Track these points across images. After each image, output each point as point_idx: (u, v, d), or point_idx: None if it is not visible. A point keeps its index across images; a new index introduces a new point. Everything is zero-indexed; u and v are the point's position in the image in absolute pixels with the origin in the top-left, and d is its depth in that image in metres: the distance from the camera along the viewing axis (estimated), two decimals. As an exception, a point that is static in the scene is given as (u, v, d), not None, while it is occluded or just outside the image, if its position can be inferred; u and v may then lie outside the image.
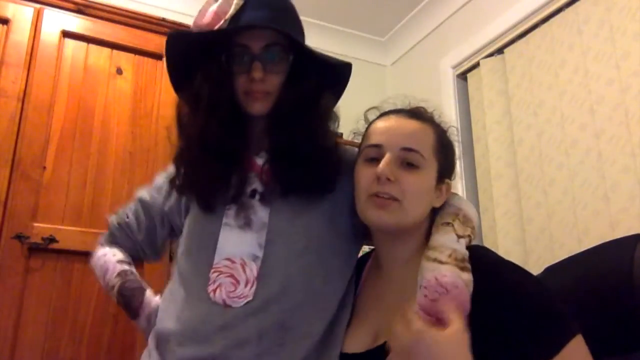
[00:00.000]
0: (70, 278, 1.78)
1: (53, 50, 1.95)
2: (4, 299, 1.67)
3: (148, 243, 1.18)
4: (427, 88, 2.92)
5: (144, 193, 1.19)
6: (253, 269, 0.96)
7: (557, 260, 1.91)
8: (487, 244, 2.38)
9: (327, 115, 1.06)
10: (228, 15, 0.98)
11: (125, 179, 1.94)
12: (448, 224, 0.94)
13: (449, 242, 0.91)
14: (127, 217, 1.18)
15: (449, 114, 2.71)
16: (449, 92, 2.74)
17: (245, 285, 0.95)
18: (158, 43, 2.13)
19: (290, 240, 0.99)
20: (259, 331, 0.93)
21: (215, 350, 0.92)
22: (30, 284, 1.72)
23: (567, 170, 2.04)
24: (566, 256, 2.08)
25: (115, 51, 2.06)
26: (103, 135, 1.95)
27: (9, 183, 1.77)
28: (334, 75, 1.08)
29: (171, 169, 1.13)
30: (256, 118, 1.03)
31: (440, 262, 0.87)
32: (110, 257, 1.15)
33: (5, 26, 1.91)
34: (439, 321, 0.79)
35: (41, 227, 1.77)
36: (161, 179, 1.18)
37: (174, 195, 1.12)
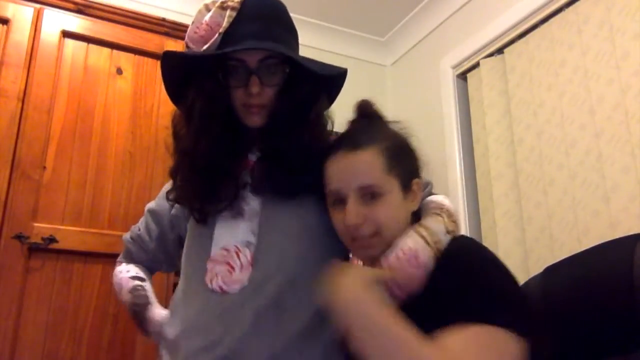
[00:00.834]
0: (70, 278, 1.78)
1: (53, 50, 1.95)
2: (4, 299, 1.67)
3: (161, 251, 1.21)
4: (427, 88, 2.92)
5: (151, 204, 1.23)
6: (247, 255, 0.99)
7: (557, 260, 1.91)
8: (487, 244, 2.38)
9: (319, 120, 1.08)
10: (222, 29, 0.99)
11: (125, 179, 1.94)
12: (438, 214, 0.98)
13: (440, 232, 0.94)
14: (139, 230, 1.22)
15: (448, 114, 2.72)
16: (448, 92, 2.74)
17: (240, 271, 0.98)
18: (158, 43, 2.13)
19: (284, 225, 1.02)
20: (255, 313, 0.95)
21: (216, 338, 0.95)
22: (30, 284, 1.72)
23: (567, 170, 2.04)
24: (566, 256, 2.08)
25: (115, 51, 2.06)
26: (103, 135, 1.95)
27: (9, 183, 1.77)
28: (328, 80, 1.11)
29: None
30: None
31: (427, 243, 0.91)
32: (124, 274, 1.20)
33: (5, 26, 1.91)
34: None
35: (41, 227, 1.77)
36: (167, 186, 1.21)
37: None
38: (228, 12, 1.00)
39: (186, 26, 2.20)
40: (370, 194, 0.94)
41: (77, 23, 2.02)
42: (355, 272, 0.88)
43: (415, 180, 1.00)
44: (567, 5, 2.17)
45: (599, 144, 1.93)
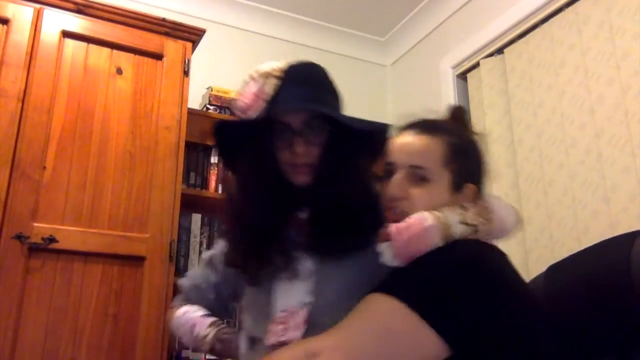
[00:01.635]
0: (71, 278, 1.78)
1: (53, 50, 1.95)
2: (4, 299, 1.67)
3: (220, 302, 1.26)
4: (427, 88, 2.92)
5: (210, 254, 1.29)
6: (302, 315, 1.02)
7: (557, 260, 1.90)
8: (487, 244, 2.38)
9: (364, 176, 1.11)
10: (267, 96, 1.06)
11: (125, 179, 1.94)
12: (463, 207, 0.97)
13: (450, 216, 0.94)
14: (198, 279, 1.28)
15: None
16: (448, 92, 2.74)
17: (295, 330, 1.01)
18: (158, 43, 2.13)
19: (337, 284, 1.04)
20: None
21: None
22: (30, 284, 1.72)
23: (567, 170, 2.04)
24: (566, 256, 2.07)
25: (115, 51, 2.06)
26: (103, 135, 1.95)
27: (9, 183, 1.76)
28: (370, 136, 1.12)
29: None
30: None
31: (436, 218, 0.93)
32: (193, 314, 1.22)
33: (5, 26, 1.90)
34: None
35: (41, 227, 1.77)
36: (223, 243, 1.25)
37: None
38: (272, 80, 1.07)
39: (186, 26, 2.22)
40: (419, 176, 0.98)
41: (77, 23, 2.02)
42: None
43: (470, 185, 1.01)
44: (567, 5, 2.17)
45: (599, 144, 1.93)
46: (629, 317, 0.95)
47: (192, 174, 2.35)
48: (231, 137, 1.13)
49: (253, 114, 1.06)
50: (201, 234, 2.30)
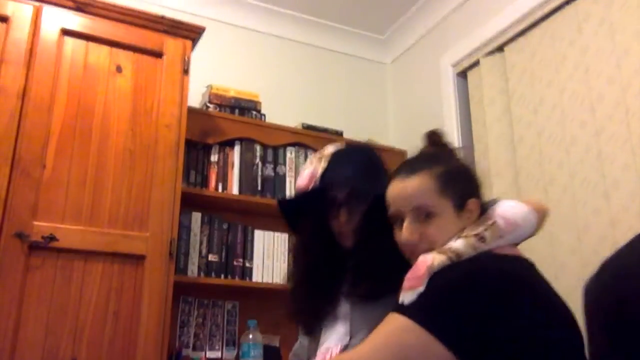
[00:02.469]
0: (71, 276, 1.78)
1: (52, 48, 1.94)
2: (4, 297, 1.67)
3: None
4: (427, 86, 2.92)
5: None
6: (336, 350, 1.18)
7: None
8: (487, 242, 2.38)
9: (388, 231, 1.22)
10: (318, 176, 1.28)
11: (126, 177, 1.94)
12: (462, 229, 1.06)
13: (449, 244, 1.03)
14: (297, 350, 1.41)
15: (448, 112, 2.72)
16: (448, 90, 2.74)
17: None
18: (157, 41, 2.12)
19: (369, 325, 1.12)
20: None
21: None
22: (31, 282, 1.72)
23: (567, 168, 2.04)
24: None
25: (114, 49, 2.06)
26: (103, 133, 1.95)
27: (9, 181, 1.76)
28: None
29: None
30: None
31: (440, 253, 1.02)
32: None
33: (4, 24, 1.90)
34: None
35: (41, 226, 1.77)
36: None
37: None
38: (322, 163, 1.30)
39: (186, 24, 2.22)
40: (425, 214, 1.06)
41: (77, 21, 2.02)
42: None
43: (472, 200, 1.09)
44: (568, 2, 2.16)
45: (599, 141, 1.93)
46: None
47: (192, 172, 2.35)
48: (294, 208, 1.35)
49: (309, 189, 1.29)
50: (201, 232, 2.30)
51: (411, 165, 1.12)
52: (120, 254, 1.86)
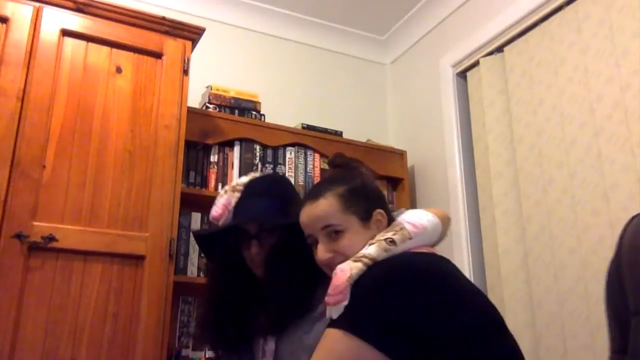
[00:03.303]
0: (70, 277, 1.78)
1: (52, 49, 1.94)
2: (3, 298, 1.67)
3: None
4: (427, 87, 2.92)
5: None
6: None
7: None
8: (487, 242, 2.38)
9: (302, 258, 1.25)
10: (231, 207, 1.34)
11: (125, 178, 1.94)
12: (370, 239, 1.13)
13: (362, 251, 1.10)
14: None
15: (448, 113, 2.72)
16: (448, 91, 2.74)
17: None
18: (158, 42, 2.13)
19: (293, 357, 1.22)
20: None
21: None
22: (30, 283, 1.72)
23: (567, 169, 2.05)
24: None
25: (114, 50, 2.06)
26: (102, 134, 1.95)
27: (9, 182, 1.76)
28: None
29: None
30: None
31: (355, 261, 1.08)
32: None
33: (4, 25, 1.90)
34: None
35: (41, 226, 1.77)
36: None
37: None
38: (235, 194, 1.35)
39: (186, 25, 2.22)
40: (334, 232, 1.14)
41: (77, 22, 2.02)
42: None
43: (377, 211, 1.17)
44: (567, 3, 2.17)
45: (599, 142, 1.94)
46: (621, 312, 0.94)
47: (192, 173, 2.35)
48: (209, 239, 1.40)
49: (222, 221, 1.35)
50: (201, 232, 2.30)
51: (316, 190, 1.21)
52: (120, 255, 1.86)
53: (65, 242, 1.79)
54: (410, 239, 1.11)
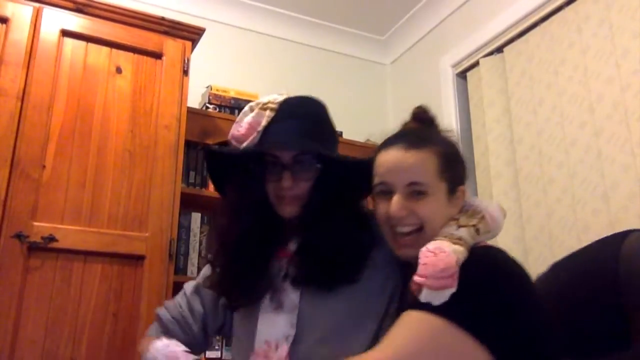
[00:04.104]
0: (70, 277, 1.78)
1: (52, 49, 1.94)
2: (3, 298, 1.67)
3: (202, 335, 1.22)
4: (427, 87, 2.92)
5: (195, 284, 1.24)
6: (285, 348, 1.03)
7: (556, 259, 1.90)
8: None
9: (352, 212, 1.12)
10: (260, 127, 1.09)
11: (125, 178, 1.94)
12: (455, 219, 1.01)
13: (447, 229, 0.98)
14: (180, 308, 1.22)
15: (448, 113, 2.72)
16: (448, 91, 2.74)
17: None
18: (157, 42, 2.13)
19: (321, 319, 1.05)
20: None
21: None
22: (30, 283, 1.72)
23: (567, 168, 2.04)
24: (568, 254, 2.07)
25: (114, 50, 2.06)
26: (102, 134, 1.95)
27: (9, 182, 1.76)
28: (359, 171, 1.12)
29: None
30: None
31: (449, 240, 0.94)
32: (176, 348, 1.13)
33: (4, 25, 1.90)
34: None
35: (41, 226, 1.77)
36: (208, 270, 1.23)
37: None
38: (267, 113, 1.10)
39: (185, 25, 2.22)
40: (417, 192, 0.99)
41: (77, 22, 2.02)
42: None
43: (461, 187, 1.05)
44: (567, 3, 2.17)
45: (599, 142, 1.93)
46: (615, 317, 0.95)
47: (192, 173, 2.35)
48: (224, 163, 1.17)
49: (246, 143, 1.11)
50: (201, 232, 2.30)
51: (411, 138, 1.05)
52: (120, 255, 1.86)
53: (65, 242, 1.79)
54: (488, 232, 1.01)
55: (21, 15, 1.93)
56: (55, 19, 1.98)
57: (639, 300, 0.93)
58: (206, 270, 1.24)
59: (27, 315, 1.70)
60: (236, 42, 2.93)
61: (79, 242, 1.81)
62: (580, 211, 1.96)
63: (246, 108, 1.15)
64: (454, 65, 2.73)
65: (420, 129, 1.12)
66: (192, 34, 2.21)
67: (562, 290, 1.09)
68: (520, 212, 2.21)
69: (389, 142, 1.06)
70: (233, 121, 2.72)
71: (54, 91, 1.91)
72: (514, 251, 2.22)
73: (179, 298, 1.24)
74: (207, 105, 2.51)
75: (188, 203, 2.18)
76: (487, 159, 2.41)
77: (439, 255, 0.90)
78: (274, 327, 1.06)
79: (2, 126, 1.80)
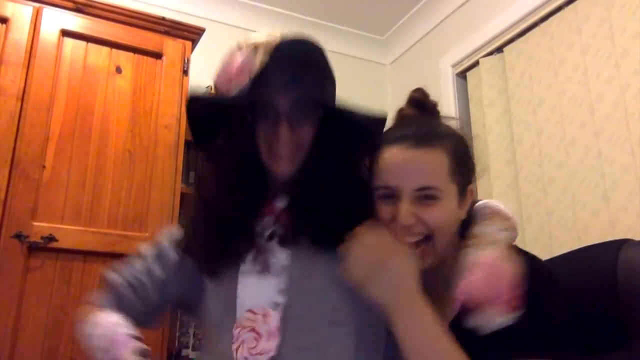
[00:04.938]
0: (70, 277, 1.78)
1: (52, 49, 1.94)
2: (3, 298, 1.67)
3: (158, 303, 1.06)
4: (427, 87, 2.91)
5: (154, 249, 1.08)
6: (275, 319, 0.88)
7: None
8: (487, 242, 2.38)
9: (355, 168, 0.99)
10: (253, 72, 0.92)
11: (125, 178, 1.94)
12: (489, 218, 0.92)
13: (489, 231, 0.88)
14: (138, 275, 1.05)
15: (448, 113, 2.71)
16: (448, 91, 2.74)
17: (268, 339, 0.87)
18: (157, 42, 2.13)
19: (315, 283, 0.92)
20: None
21: None
22: (30, 283, 1.72)
23: (567, 169, 2.04)
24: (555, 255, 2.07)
25: (114, 50, 2.06)
26: (102, 134, 1.95)
27: (9, 182, 1.76)
28: (365, 125, 0.99)
29: (176, 228, 1.08)
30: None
31: (482, 249, 0.85)
32: (118, 328, 0.98)
33: (4, 25, 1.90)
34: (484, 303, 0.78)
35: (41, 226, 1.77)
36: (173, 232, 1.09)
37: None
38: (261, 56, 0.93)
39: (186, 25, 2.21)
40: (425, 196, 0.87)
41: (76, 22, 2.02)
42: (403, 258, 0.83)
43: (470, 188, 0.94)
44: (567, 3, 2.17)
45: (599, 142, 1.94)
46: (612, 321, 0.96)
47: (192, 173, 2.35)
48: (207, 112, 0.98)
49: (235, 89, 0.93)
50: (201, 232, 2.29)
51: (417, 134, 0.91)
52: (120, 255, 1.85)
53: (65, 242, 1.79)
54: (514, 237, 0.92)
55: (21, 15, 1.93)
56: (55, 19, 1.98)
57: (636, 304, 0.93)
58: (174, 231, 1.08)
59: (27, 315, 1.69)
60: (236, 42, 2.92)
61: (79, 242, 1.81)
62: (580, 211, 1.96)
63: (233, 46, 0.99)
64: (454, 65, 2.73)
65: (424, 119, 0.98)
66: (192, 34, 2.21)
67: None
68: (520, 212, 2.21)
69: (392, 138, 0.92)
70: (233, 121, 2.70)
71: (54, 91, 1.91)
72: (514, 251, 2.22)
73: (136, 261, 1.07)
74: (207, 105, 2.51)
75: (188, 203, 2.18)
76: (486, 159, 2.41)
77: (499, 267, 0.79)
78: (258, 293, 0.91)
79: (2, 126, 1.80)
